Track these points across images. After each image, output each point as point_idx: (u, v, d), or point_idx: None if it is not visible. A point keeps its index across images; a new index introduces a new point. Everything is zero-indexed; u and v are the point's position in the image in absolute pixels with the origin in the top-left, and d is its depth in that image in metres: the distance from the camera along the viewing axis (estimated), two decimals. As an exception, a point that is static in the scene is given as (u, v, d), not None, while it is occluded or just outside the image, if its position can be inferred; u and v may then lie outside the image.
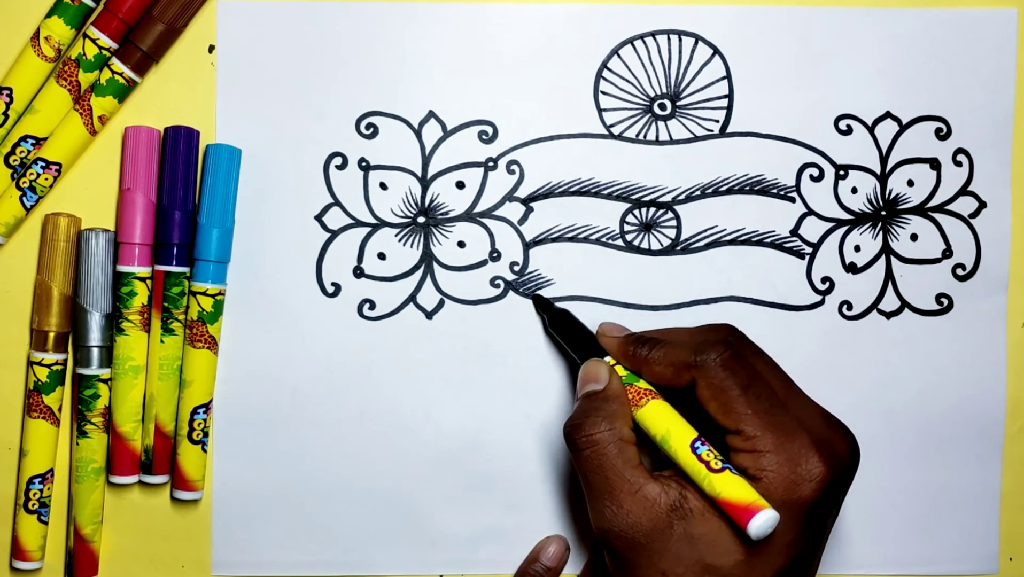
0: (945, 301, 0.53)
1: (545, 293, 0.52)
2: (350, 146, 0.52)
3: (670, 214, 0.52)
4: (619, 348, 0.47)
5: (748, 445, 0.43)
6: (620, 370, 0.47)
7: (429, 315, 0.52)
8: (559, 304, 0.52)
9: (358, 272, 0.52)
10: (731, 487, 0.42)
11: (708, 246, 0.52)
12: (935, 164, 0.53)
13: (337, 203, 0.52)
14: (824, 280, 0.53)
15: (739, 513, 0.42)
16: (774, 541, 0.43)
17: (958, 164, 0.53)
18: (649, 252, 0.52)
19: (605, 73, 0.52)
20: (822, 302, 0.53)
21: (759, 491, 0.42)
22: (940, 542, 0.53)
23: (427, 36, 0.51)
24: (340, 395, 0.52)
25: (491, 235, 0.52)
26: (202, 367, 0.51)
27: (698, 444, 0.43)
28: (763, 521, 0.41)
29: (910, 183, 0.53)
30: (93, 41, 0.49)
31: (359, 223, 0.52)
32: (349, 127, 0.51)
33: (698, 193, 0.52)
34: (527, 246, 0.52)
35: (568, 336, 0.50)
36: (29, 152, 0.49)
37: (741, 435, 0.43)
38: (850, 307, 0.53)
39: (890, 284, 0.53)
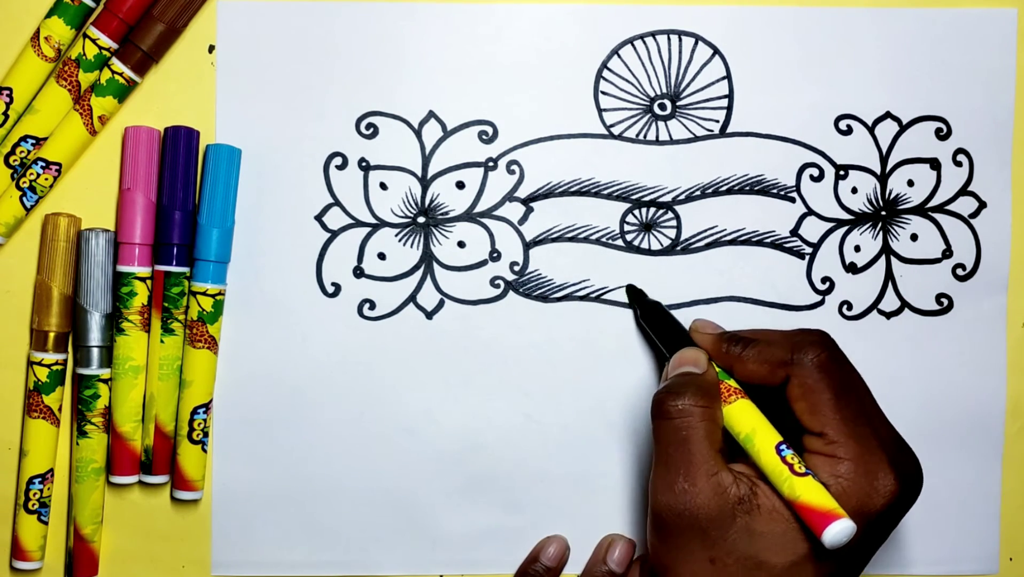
0: (945, 301, 0.53)
1: (545, 293, 0.52)
2: (350, 146, 0.52)
3: (670, 214, 0.52)
4: (713, 345, 0.48)
5: (828, 449, 0.44)
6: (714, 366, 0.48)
7: (429, 315, 0.52)
8: (650, 299, 0.52)
9: (358, 272, 0.52)
10: (812, 492, 0.43)
11: (708, 246, 0.52)
12: (935, 164, 0.53)
13: (337, 203, 0.52)
14: (824, 280, 0.53)
15: (816, 518, 0.42)
16: (829, 552, 0.43)
17: (958, 164, 0.53)
18: (649, 252, 0.52)
19: (605, 73, 0.52)
20: (822, 302, 0.53)
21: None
22: (940, 542, 0.53)
23: (427, 36, 0.51)
24: (340, 395, 0.52)
25: (491, 235, 0.52)
26: (202, 367, 0.51)
27: (783, 447, 0.44)
28: (839, 530, 0.42)
29: (910, 183, 0.53)
30: (93, 41, 0.49)
31: (359, 223, 0.52)
32: (349, 127, 0.51)
33: (698, 193, 0.52)
34: (527, 246, 0.52)
35: (660, 329, 0.50)
36: (29, 152, 0.49)
37: (823, 438, 0.44)
38: (850, 307, 0.53)
39: (890, 284, 0.53)
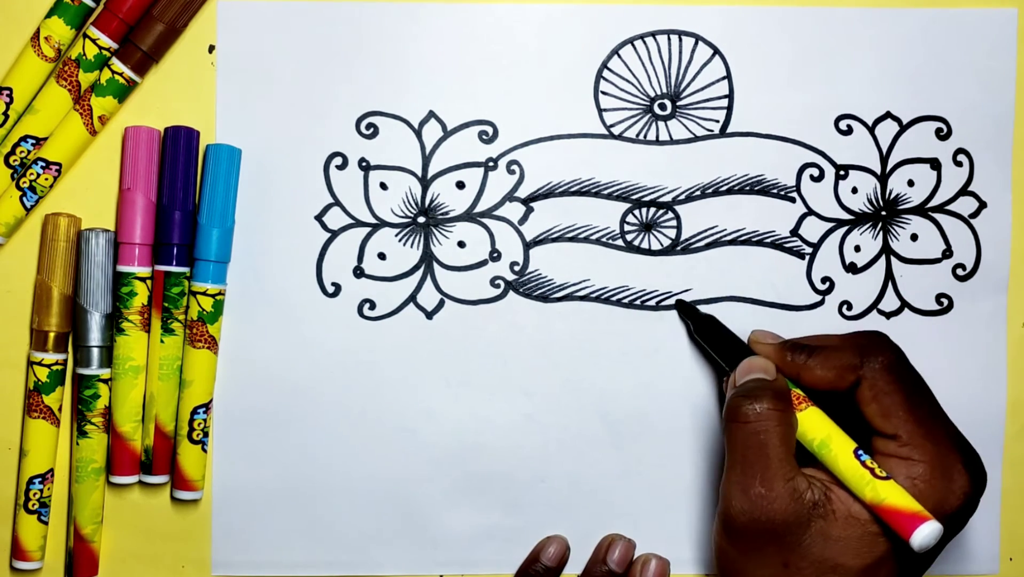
0: (945, 301, 0.53)
1: (545, 293, 0.52)
2: (350, 146, 0.52)
3: (670, 214, 0.52)
4: (776, 354, 0.48)
5: (903, 452, 0.45)
6: None
7: (429, 315, 0.52)
8: (703, 310, 0.52)
9: (358, 272, 0.52)
10: (897, 495, 0.43)
11: (708, 246, 0.52)
12: (935, 164, 0.53)
13: (337, 203, 0.52)
14: (824, 280, 0.53)
15: (903, 521, 0.43)
16: (906, 550, 0.44)
17: (958, 164, 0.53)
18: (649, 252, 0.52)
19: (605, 73, 0.52)
20: (822, 302, 0.53)
21: None
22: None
23: (427, 36, 0.51)
24: (340, 395, 0.52)
25: (491, 235, 0.52)
26: (202, 367, 0.51)
27: (860, 452, 0.45)
28: (928, 532, 0.42)
29: (910, 183, 0.53)
30: (93, 41, 0.49)
31: (359, 223, 0.52)
32: (349, 127, 0.51)
33: (698, 193, 0.52)
34: (527, 246, 0.52)
35: (716, 343, 0.50)
36: (29, 152, 0.49)
37: (897, 440, 0.45)
38: (850, 307, 0.53)
39: (890, 284, 0.53)
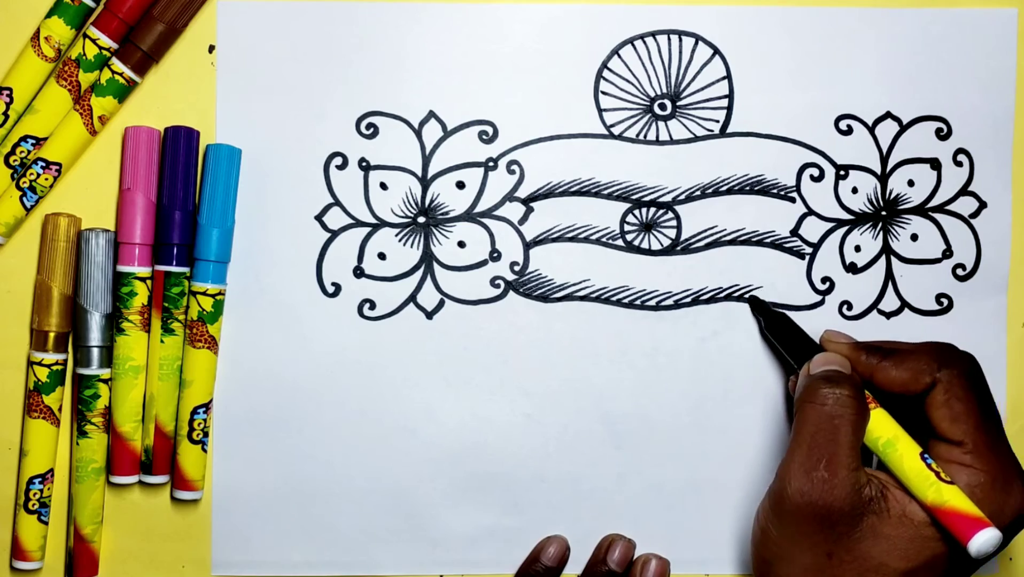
0: (945, 301, 0.53)
1: (545, 293, 0.52)
2: (350, 146, 0.52)
3: (670, 214, 0.52)
4: (850, 353, 0.48)
5: (965, 459, 0.45)
6: None
7: (429, 315, 0.52)
8: (776, 309, 0.52)
9: (358, 272, 0.52)
10: (960, 499, 0.44)
11: (708, 246, 0.52)
12: (935, 164, 0.53)
13: (337, 203, 0.52)
14: (824, 280, 0.53)
15: (963, 525, 0.43)
16: (952, 556, 0.44)
17: (958, 164, 0.53)
18: (649, 252, 0.52)
19: (605, 73, 0.52)
20: (822, 302, 0.53)
21: None
22: (940, 542, 0.53)
23: (427, 36, 0.51)
24: (340, 395, 0.52)
25: (491, 235, 0.52)
26: (202, 367, 0.51)
27: (926, 455, 0.45)
28: (987, 539, 0.43)
29: (910, 183, 0.53)
30: (93, 41, 0.49)
31: (359, 223, 0.52)
32: (349, 127, 0.51)
33: (698, 193, 0.52)
34: (527, 246, 0.52)
35: (787, 341, 0.51)
36: (29, 152, 0.49)
37: (961, 447, 0.45)
38: (850, 307, 0.53)
39: (890, 284, 0.53)
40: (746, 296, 0.52)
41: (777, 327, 0.51)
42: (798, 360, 0.49)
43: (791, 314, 0.52)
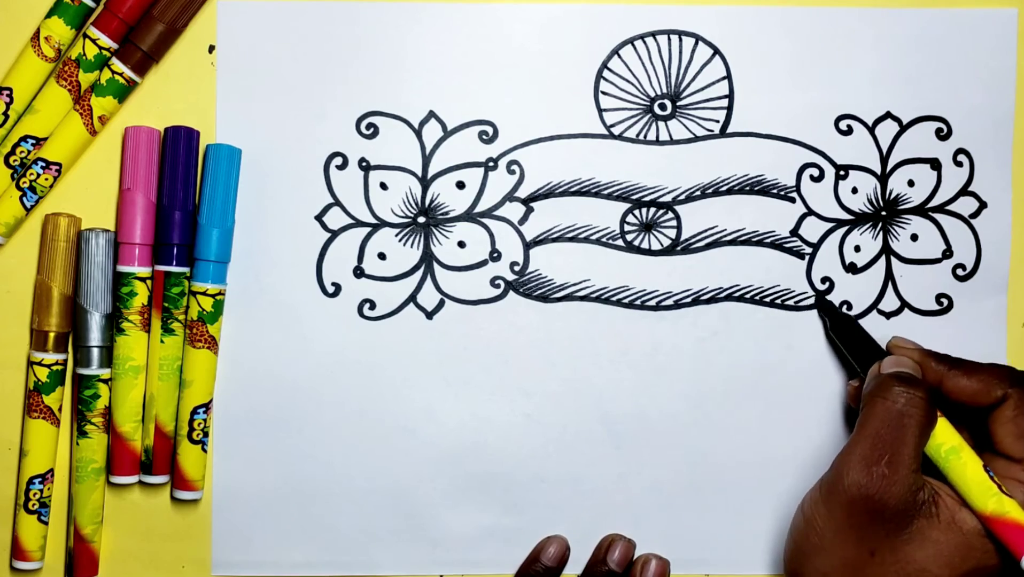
0: (945, 301, 0.53)
1: (545, 293, 0.52)
2: (350, 146, 0.52)
3: (670, 214, 0.52)
4: (920, 359, 0.49)
5: None
6: None
7: (429, 315, 0.52)
8: (843, 312, 0.52)
9: (358, 272, 0.52)
10: (1020, 512, 0.44)
11: (708, 246, 0.52)
12: (935, 164, 0.53)
13: (337, 203, 0.52)
14: (824, 280, 0.53)
15: (1021, 540, 0.43)
16: (994, 568, 0.45)
17: (958, 164, 0.53)
18: (649, 252, 0.52)
19: (605, 73, 0.52)
20: (822, 302, 0.53)
21: None
22: (940, 542, 0.53)
23: (427, 36, 0.51)
24: (340, 395, 0.52)
25: (491, 235, 0.52)
26: (202, 367, 0.51)
27: (988, 468, 0.45)
28: None
29: (910, 183, 0.53)
30: (93, 41, 0.49)
31: (359, 223, 0.52)
32: (349, 127, 0.51)
33: (698, 193, 0.52)
34: (527, 246, 0.52)
35: (852, 344, 0.51)
36: (29, 152, 0.49)
37: (1022, 464, 0.46)
38: (850, 307, 0.53)
39: (890, 284, 0.53)
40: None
41: (843, 329, 0.51)
42: (862, 364, 0.50)
43: (789, 314, 0.52)
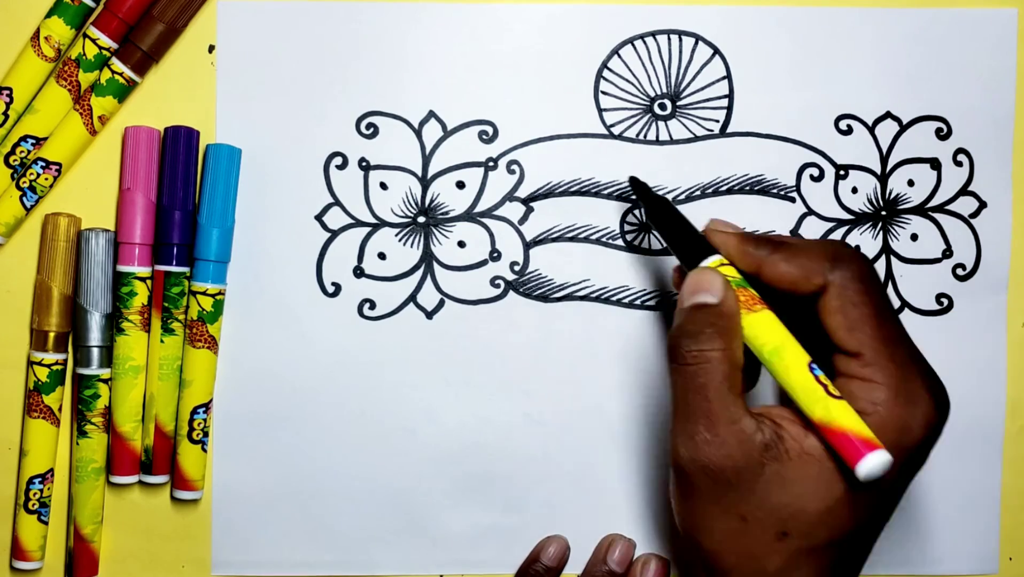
0: (945, 301, 0.53)
1: (545, 293, 0.52)
2: (350, 146, 0.52)
3: (670, 214, 0.52)
4: (737, 245, 0.43)
5: (865, 373, 0.40)
6: (730, 271, 0.43)
7: (429, 315, 0.52)
8: (658, 195, 0.48)
9: (358, 272, 0.52)
10: (849, 417, 0.39)
11: (708, 246, 0.52)
12: (935, 164, 0.53)
13: (337, 203, 0.52)
14: (824, 280, 0.53)
15: (851, 447, 0.39)
16: (869, 488, 0.40)
17: (958, 164, 0.53)
18: (649, 252, 0.52)
19: (605, 73, 0.52)
20: (822, 302, 0.53)
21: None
22: (940, 542, 0.53)
23: (427, 36, 0.51)
24: (340, 395, 0.52)
25: (491, 235, 0.52)
26: (202, 367, 0.51)
27: (815, 366, 0.40)
28: (876, 462, 0.38)
29: (910, 183, 0.53)
30: (93, 41, 0.49)
31: (359, 223, 0.52)
32: (349, 127, 0.51)
33: (698, 193, 0.52)
34: (527, 246, 0.52)
35: (670, 232, 0.45)
36: (29, 152, 0.49)
37: (859, 359, 0.41)
38: (850, 307, 0.53)
39: (890, 284, 0.53)
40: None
41: (659, 216, 0.46)
42: (682, 254, 0.45)
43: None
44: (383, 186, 0.52)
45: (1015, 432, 0.53)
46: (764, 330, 0.41)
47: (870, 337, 0.41)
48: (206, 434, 0.51)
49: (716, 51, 0.52)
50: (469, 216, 0.52)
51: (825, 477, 0.40)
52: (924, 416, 0.40)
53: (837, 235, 0.53)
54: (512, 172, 0.52)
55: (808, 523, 0.40)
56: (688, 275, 0.43)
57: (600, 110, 0.52)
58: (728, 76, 0.52)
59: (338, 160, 0.52)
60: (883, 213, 0.53)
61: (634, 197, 0.49)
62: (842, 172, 0.53)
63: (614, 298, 0.52)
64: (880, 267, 0.53)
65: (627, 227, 0.52)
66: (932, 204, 0.53)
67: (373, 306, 0.52)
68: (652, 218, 0.47)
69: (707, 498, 0.41)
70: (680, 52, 0.52)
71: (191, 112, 0.51)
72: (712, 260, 0.44)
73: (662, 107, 0.52)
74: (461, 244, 0.52)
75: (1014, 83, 0.53)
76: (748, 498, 0.40)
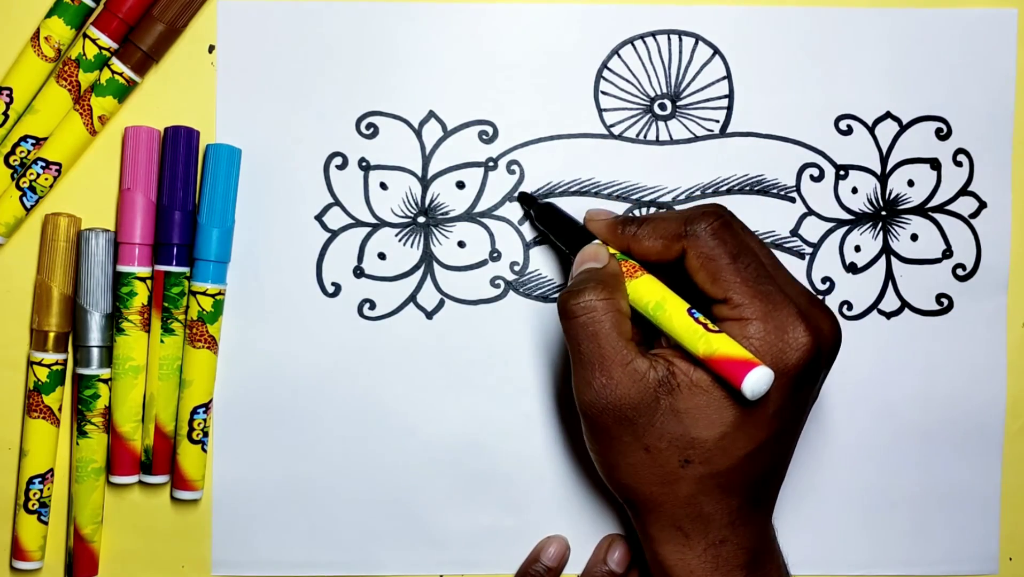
0: (945, 301, 0.53)
1: (545, 293, 0.52)
2: (350, 146, 0.52)
3: (670, 214, 0.52)
4: (609, 230, 0.48)
5: (735, 313, 0.44)
6: (613, 251, 0.47)
7: (429, 315, 0.52)
8: (544, 200, 0.51)
9: (358, 272, 0.52)
10: (728, 345, 0.42)
11: (708, 246, 0.52)
12: (935, 164, 0.53)
13: (337, 203, 0.52)
14: (824, 280, 0.53)
15: (734, 370, 0.42)
16: (757, 413, 0.43)
17: (958, 164, 0.53)
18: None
19: (605, 73, 0.52)
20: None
21: None
22: (940, 542, 0.53)
23: (427, 36, 0.51)
24: (340, 395, 0.52)
25: (491, 235, 0.52)
26: (202, 367, 0.51)
27: (694, 310, 0.44)
28: (758, 378, 0.41)
29: (910, 183, 0.53)
30: (93, 41, 0.49)
31: (359, 223, 0.52)
32: (349, 127, 0.52)
33: (698, 193, 0.52)
34: (527, 246, 0.52)
35: (556, 228, 0.50)
36: (29, 152, 0.49)
37: (728, 303, 0.44)
38: (850, 307, 0.53)
39: (890, 284, 0.53)
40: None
41: (546, 216, 0.50)
42: (570, 246, 0.49)
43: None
44: (383, 186, 0.52)
45: (1015, 432, 0.53)
46: (646, 291, 0.45)
47: (732, 281, 0.44)
48: (206, 434, 0.51)
49: (716, 51, 0.52)
50: (469, 216, 0.52)
51: (715, 405, 0.43)
52: (798, 341, 0.43)
53: (837, 235, 0.53)
54: (512, 172, 0.52)
55: (706, 449, 0.43)
56: (577, 256, 0.48)
57: (600, 110, 0.52)
58: (728, 76, 0.52)
59: (338, 160, 0.52)
60: (883, 213, 0.53)
61: (526, 208, 0.52)
62: (842, 172, 0.53)
63: (614, 298, 0.52)
64: (880, 267, 0.53)
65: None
66: (932, 204, 0.53)
67: (373, 306, 0.52)
68: (541, 221, 0.51)
69: (613, 436, 0.44)
70: (680, 52, 0.52)
71: (191, 112, 0.51)
72: (594, 244, 0.48)
73: (662, 107, 0.52)
74: (461, 244, 0.52)
75: (1014, 83, 0.53)
76: (649, 431, 0.44)
